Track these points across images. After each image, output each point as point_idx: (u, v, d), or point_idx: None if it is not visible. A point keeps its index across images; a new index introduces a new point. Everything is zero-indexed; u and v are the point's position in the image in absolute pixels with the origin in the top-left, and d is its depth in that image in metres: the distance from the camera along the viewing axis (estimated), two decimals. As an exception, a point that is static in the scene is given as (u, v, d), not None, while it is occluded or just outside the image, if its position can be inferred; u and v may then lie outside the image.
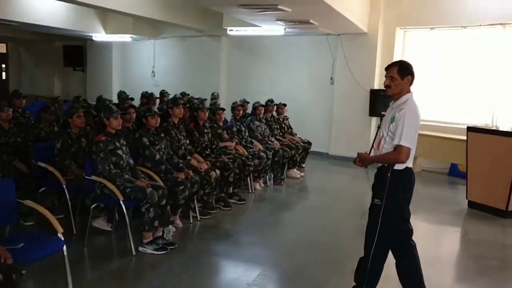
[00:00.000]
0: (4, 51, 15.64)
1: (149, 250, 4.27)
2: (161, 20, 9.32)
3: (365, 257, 3.20)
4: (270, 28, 8.56)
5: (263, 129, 7.41)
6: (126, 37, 11.50)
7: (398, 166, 3.02)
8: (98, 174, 4.27)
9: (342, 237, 5.07)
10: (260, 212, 5.94)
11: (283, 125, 8.17)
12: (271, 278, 4.00)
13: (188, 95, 8.38)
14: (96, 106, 6.49)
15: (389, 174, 3.01)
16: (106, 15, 11.11)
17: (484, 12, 7.90)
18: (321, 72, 9.79)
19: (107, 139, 4.33)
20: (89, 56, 13.30)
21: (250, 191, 6.65)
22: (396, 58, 9.14)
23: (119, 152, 4.38)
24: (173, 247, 4.37)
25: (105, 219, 4.77)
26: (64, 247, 3.24)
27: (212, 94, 9.65)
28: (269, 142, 7.25)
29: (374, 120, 9.14)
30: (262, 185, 6.97)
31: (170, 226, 4.63)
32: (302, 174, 7.85)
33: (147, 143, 4.78)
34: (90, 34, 11.38)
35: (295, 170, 7.79)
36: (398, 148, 2.96)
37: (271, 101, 7.89)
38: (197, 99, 7.27)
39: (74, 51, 13.48)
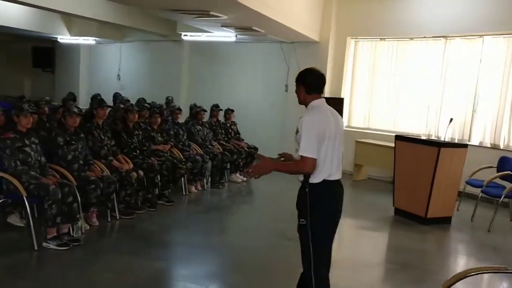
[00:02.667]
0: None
1: (52, 245, 4.38)
2: (123, 24, 9.50)
3: (308, 278, 2.93)
4: (221, 34, 8.73)
5: (205, 133, 7.54)
6: (90, 40, 11.65)
7: (314, 179, 2.85)
8: (4, 171, 4.38)
9: (261, 239, 5.20)
10: (186, 213, 6.07)
11: (230, 130, 8.31)
12: (174, 276, 4.13)
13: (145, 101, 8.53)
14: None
15: (307, 190, 2.86)
16: (70, 18, 11.25)
17: (429, 25, 8.11)
18: (276, 79, 9.96)
19: (16, 136, 4.44)
20: (58, 57, 13.43)
21: (184, 193, 6.76)
22: (347, 67, 9.34)
23: (28, 149, 4.49)
24: (77, 243, 4.49)
25: (18, 215, 4.87)
26: None
27: (167, 98, 9.80)
28: (209, 146, 7.39)
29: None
30: (200, 188, 7.09)
31: (80, 223, 4.74)
32: (245, 178, 7.97)
33: (61, 143, 4.89)
34: (56, 36, 11.53)
35: (237, 174, 7.91)
36: (301, 158, 2.79)
37: (216, 106, 8.04)
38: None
39: (43, 52, 13.60)
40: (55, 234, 4.44)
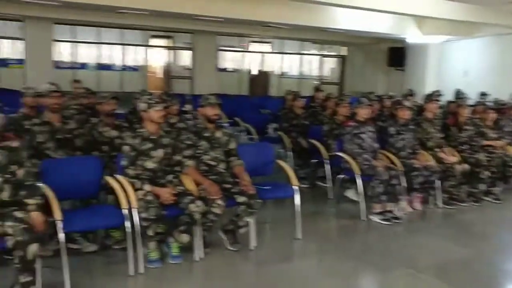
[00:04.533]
0: (345, 53, 18.38)
1: (376, 219, 5.15)
2: (475, 21, 9.55)
3: None
4: None
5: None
6: (439, 38, 11.97)
7: None
8: (344, 152, 5.41)
9: None
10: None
11: None
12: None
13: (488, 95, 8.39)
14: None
15: None
16: (422, 19, 11.88)
17: None
18: None
19: (355, 124, 5.40)
20: (408, 56, 14.31)
21: (517, 194, 6.42)
22: None
23: (364, 136, 5.37)
24: (398, 221, 5.11)
25: (353, 191, 5.86)
26: (297, 196, 4.52)
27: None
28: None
29: None
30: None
31: (403, 205, 5.34)
32: None
33: (392, 132, 5.58)
34: (405, 37, 12.41)
35: None
36: None
37: None
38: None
39: (396, 52, 14.75)
40: (380, 210, 5.19)
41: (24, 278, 2.94)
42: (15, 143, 3.25)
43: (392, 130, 5.61)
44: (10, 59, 14.71)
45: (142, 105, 3.95)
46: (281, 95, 9.71)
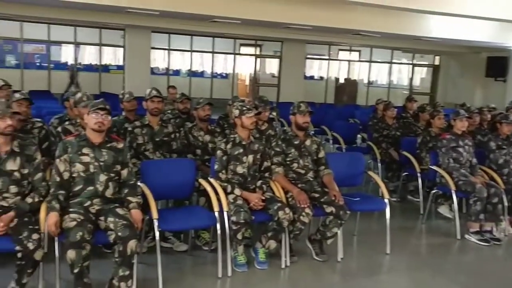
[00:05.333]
0: (438, 62, 17.59)
1: (473, 238, 4.82)
2: None
3: None
4: None
5: None
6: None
7: None
8: (439, 165, 5.14)
9: None
10: None
11: None
12: None
13: None
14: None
15: None
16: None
17: None
18: None
19: (452, 137, 5.12)
20: (511, 66, 13.38)
21: None
22: None
23: (461, 150, 5.08)
24: (498, 242, 4.76)
25: (447, 207, 5.54)
26: (387, 210, 4.36)
27: None
28: None
29: None
30: None
31: (504, 225, 4.96)
32: None
33: (493, 147, 5.22)
34: (509, 45, 11.59)
35: None
36: None
37: None
38: None
39: (497, 61, 13.85)
40: (478, 229, 4.85)
41: (122, 272, 3.09)
42: (120, 144, 3.45)
43: (492, 145, 5.26)
44: (111, 65, 15.82)
45: (235, 111, 4.04)
46: (369, 104, 9.51)
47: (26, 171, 3.19)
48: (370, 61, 18.05)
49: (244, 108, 3.98)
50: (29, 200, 3.17)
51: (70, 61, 15.14)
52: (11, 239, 2.97)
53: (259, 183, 4.02)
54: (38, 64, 15.07)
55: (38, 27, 13.50)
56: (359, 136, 7.82)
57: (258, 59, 17.49)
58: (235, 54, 16.92)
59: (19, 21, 12.96)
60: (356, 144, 7.67)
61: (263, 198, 3.88)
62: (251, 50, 17.55)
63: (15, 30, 13.36)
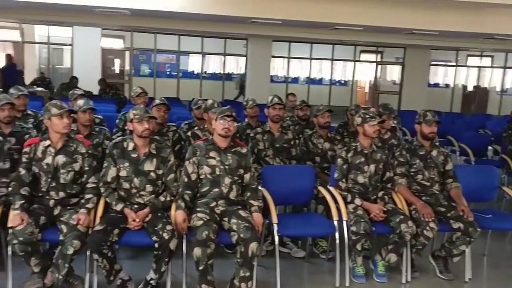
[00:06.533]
0: None
1: None
2: None
3: None
4: None
5: None
6: None
7: None
8: None
9: None
10: None
11: None
12: None
13: None
14: None
15: None
16: None
17: None
18: None
19: None
20: None
21: None
22: None
23: None
24: None
25: None
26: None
27: None
28: None
29: None
30: None
31: None
32: None
33: None
34: None
35: None
36: None
37: None
38: None
39: None
40: None
41: (243, 273, 3.20)
42: (244, 149, 3.59)
43: None
44: (234, 74, 16.55)
45: (357, 119, 3.97)
46: (502, 114, 8.73)
47: (161, 171, 3.45)
48: (505, 67, 16.56)
49: (367, 116, 3.89)
50: (162, 198, 3.43)
51: (197, 70, 16.08)
52: (147, 232, 3.24)
53: (380, 193, 3.90)
54: (168, 73, 16.27)
55: (169, 39, 14.56)
56: (490, 148, 7.19)
57: (379, 66, 17.02)
58: (355, 61, 16.65)
59: (153, 33, 14.09)
60: (487, 157, 7.06)
61: (385, 209, 3.75)
62: (371, 56, 17.14)
63: (150, 42, 14.55)
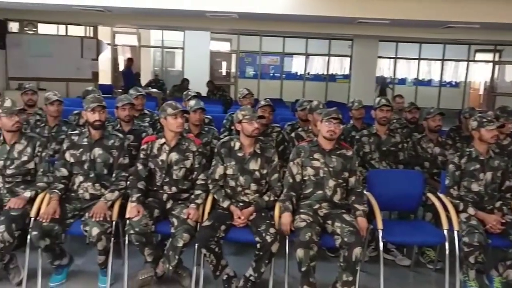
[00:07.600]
0: None
1: None
2: None
3: None
4: None
5: None
6: None
7: None
8: None
9: None
10: None
11: None
12: None
13: None
14: None
15: None
16: None
17: None
18: None
19: None
20: None
21: None
22: None
23: None
24: None
25: None
26: None
27: None
28: None
29: None
30: None
31: None
32: None
33: None
34: None
35: None
36: None
37: None
38: None
39: None
40: None
41: (346, 277, 3.15)
42: (349, 152, 3.53)
43: None
44: (337, 75, 16.34)
45: (472, 123, 3.71)
46: None
47: (265, 171, 3.52)
48: None
49: (484, 120, 3.62)
50: (266, 198, 3.50)
51: (300, 71, 16.12)
52: (250, 231, 3.32)
53: (498, 204, 3.61)
54: (271, 74, 16.50)
55: (274, 40, 14.77)
56: None
57: (497, 66, 15.74)
58: (468, 60, 15.58)
59: (258, 36, 14.39)
60: None
61: (503, 221, 3.46)
62: (488, 56, 15.91)
63: (255, 44, 14.87)
